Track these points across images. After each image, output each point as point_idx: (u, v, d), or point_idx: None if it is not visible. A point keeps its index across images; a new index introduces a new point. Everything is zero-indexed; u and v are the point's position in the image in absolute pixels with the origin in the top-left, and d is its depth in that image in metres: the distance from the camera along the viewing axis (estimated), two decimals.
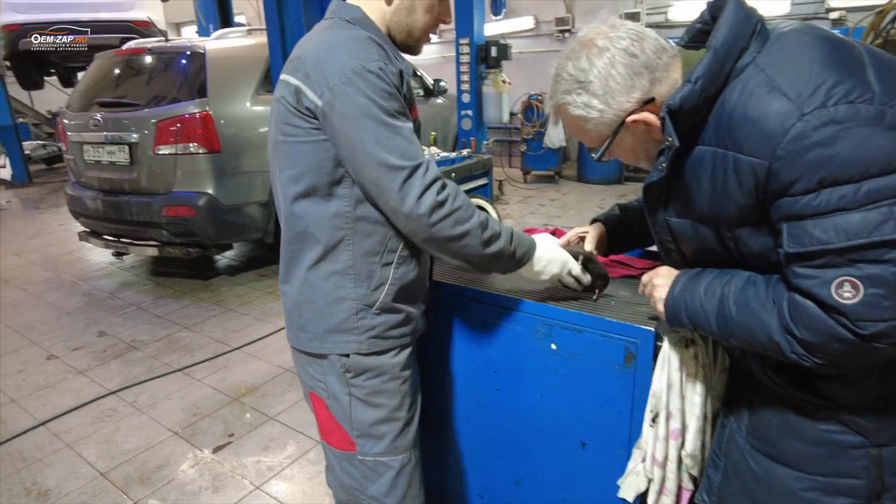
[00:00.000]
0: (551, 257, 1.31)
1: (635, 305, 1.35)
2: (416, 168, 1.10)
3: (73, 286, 4.71)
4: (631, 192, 7.10)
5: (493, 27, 8.09)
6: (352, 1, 1.25)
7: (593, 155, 1.09)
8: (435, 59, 9.54)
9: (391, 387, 1.31)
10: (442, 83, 6.31)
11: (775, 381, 1.07)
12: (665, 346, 1.22)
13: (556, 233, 1.79)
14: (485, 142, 4.38)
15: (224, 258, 5.17)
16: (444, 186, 1.14)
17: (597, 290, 1.39)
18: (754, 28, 0.95)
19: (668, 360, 1.22)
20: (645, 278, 1.20)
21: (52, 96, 10.30)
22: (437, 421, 1.65)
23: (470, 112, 5.49)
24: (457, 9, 5.21)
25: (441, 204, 1.12)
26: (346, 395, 1.31)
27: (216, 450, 2.57)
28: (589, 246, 1.44)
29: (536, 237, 1.34)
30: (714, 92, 0.94)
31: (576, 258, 1.34)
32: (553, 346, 1.34)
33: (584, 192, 7.27)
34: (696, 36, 1.05)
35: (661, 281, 1.14)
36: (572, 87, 1.00)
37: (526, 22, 8.68)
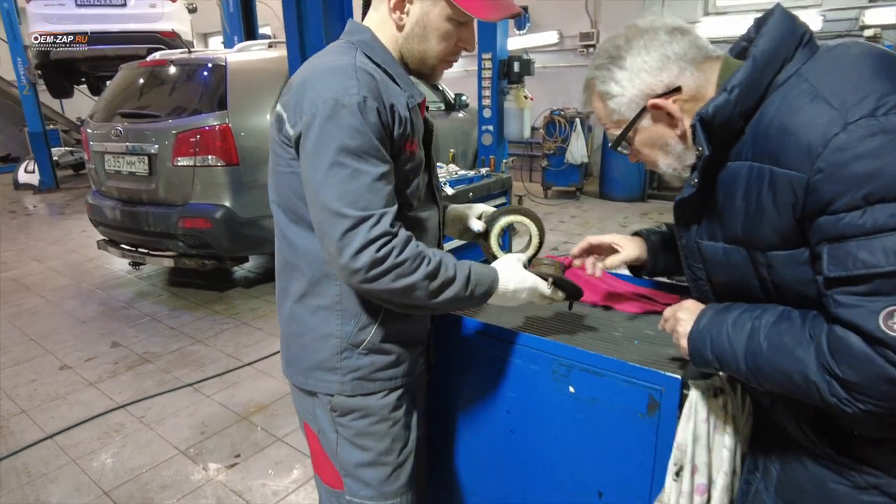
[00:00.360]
0: (517, 287, 1.23)
1: (660, 347, 1.26)
2: (363, 220, 1.00)
3: (90, 294, 4.72)
4: (654, 210, 6.96)
5: (516, 41, 8.05)
6: (367, 21, 1.18)
7: (610, 144, 1.06)
8: (458, 73, 9.51)
9: (379, 429, 1.23)
10: (463, 97, 6.27)
11: (811, 438, 0.97)
12: (692, 394, 1.12)
13: (570, 264, 1.70)
14: (504, 160, 4.29)
15: (241, 269, 5.16)
16: (388, 241, 1.02)
17: (570, 304, 1.36)
18: (800, 39, 0.88)
19: (695, 410, 1.13)
20: (667, 312, 1.11)
21: (82, 104, 10.51)
22: (442, 459, 1.56)
23: (491, 127, 5.42)
24: (480, 23, 5.16)
25: (380, 260, 1.01)
26: (333, 433, 1.24)
27: (221, 471, 2.51)
28: (616, 260, 1.36)
29: (500, 264, 1.26)
30: (751, 104, 0.88)
31: (545, 279, 1.27)
32: (571, 389, 1.25)
33: (606, 210, 7.15)
34: (741, 53, 0.99)
35: (685, 315, 1.05)
36: (605, 61, 0.99)
37: (550, 37, 8.62)
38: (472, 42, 1.17)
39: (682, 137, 0.97)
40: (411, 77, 1.19)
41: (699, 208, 1.00)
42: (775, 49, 0.88)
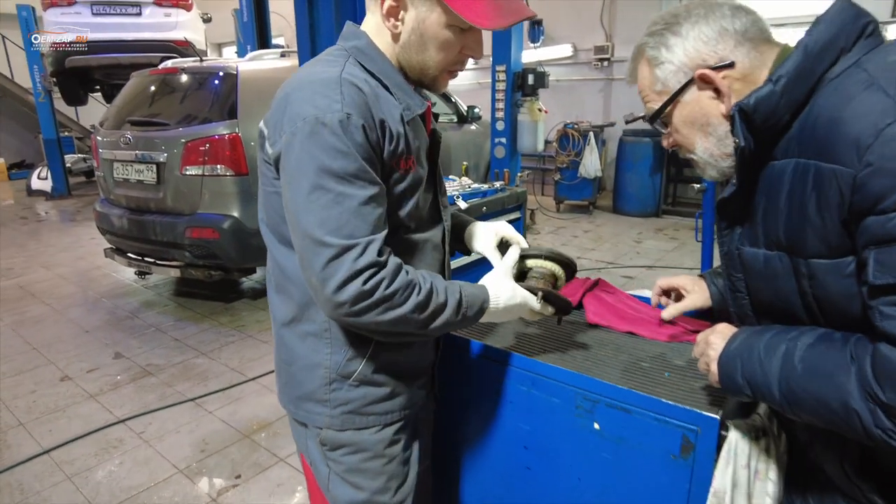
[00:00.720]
0: (507, 304, 1.14)
1: (693, 380, 1.15)
2: (347, 248, 0.91)
3: (96, 303, 4.67)
4: (668, 226, 6.83)
5: (530, 55, 7.99)
6: (364, 25, 1.09)
7: (647, 117, 1.00)
8: (470, 85, 9.48)
9: (373, 466, 1.13)
10: (476, 110, 6.20)
11: (855, 484, 0.86)
12: (731, 436, 1.01)
13: (598, 283, 1.60)
14: (519, 173, 4.20)
15: (248, 280, 5.09)
16: (376, 272, 0.93)
17: (560, 318, 1.31)
18: (862, 30, 0.81)
19: (735, 454, 1.02)
20: (700, 336, 1.02)
21: (97, 111, 10.57)
22: (450, 496, 1.46)
23: (504, 140, 5.34)
24: (494, 36, 5.11)
25: (367, 293, 0.92)
26: (324, 467, 1.15)
27: (221, 492, 2.41)
28: (681, 307, 1.27)
29: (489, 280, 1.17)
30: (799, 96, 0.82)
31: (534, 293, 1.19)
32: (596, 426, 1.15)
33: (620, 225, 7.03)
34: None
35: (716, 339, 0.97)
36: (659, 28, 0.94)
37: (564, 50, 8.56)
38: (478, 50, 1.06)
39: (727, 119, 0.90)
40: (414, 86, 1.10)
41: (742, 210, 0.93)
42: (832, 38, 0.80)
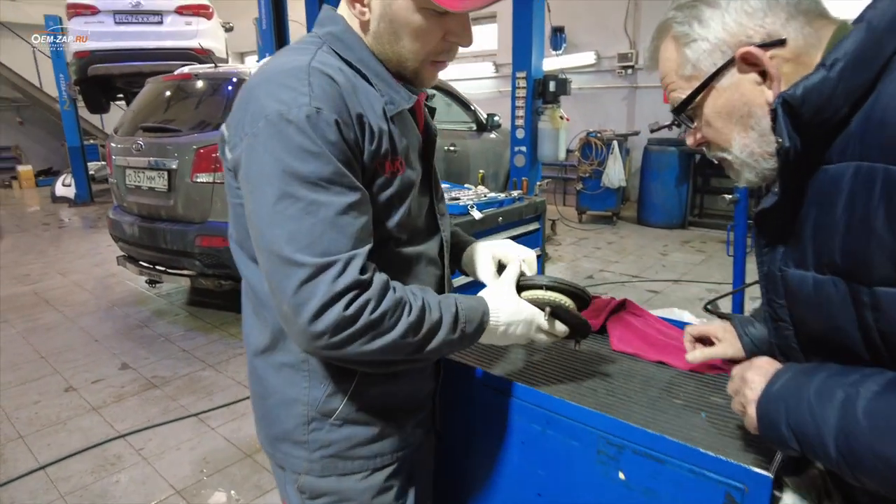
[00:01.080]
0: (511, 318, 0.99)
1: (735, 421, 0.98)
2: (324, 267, 0.77)
3: (108, 311, 4.61)
4: (695, 239, 6.59)
5: (552, 62, 7.84)
6: (340, 9, 0.94)
7: (672, 109, 0.83)
8: (491, 93, 9.36)
9: None
10: (496, 118, 6.07)
11: None
12: (787, 499, 0.84)
13: (624, 304, 1.43)
14: (538, 182, 4.02)
15: None
16: (359, 294, 0.79)
17: (577, 340, 1.14)
18: None
19: None
20: (735, 370, 0.86)
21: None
22: None
23: (524, 148, 5.19)
24: (515, 42, 4.97)
25: (350, 321, 0.78)
26: None
27: None
28: (711, 352, 1.11)
29: (488, 293, 1.01)
30: (861, 84, 0.66)
31: (541, 308, 1.03)
32: (621, 476, 0.98)
33: (644, 236, 6.80)
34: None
35: (755, 375, 0.81)
36: (689, 1, 0.78)
37: (587, 57, 8.39)
38: (465, 36, 0.91)
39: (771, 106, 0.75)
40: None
41: (787, 224, 0.77)
42: None
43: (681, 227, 7.12)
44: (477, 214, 2.36)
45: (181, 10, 6.95)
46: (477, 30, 10.02)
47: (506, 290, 1.02)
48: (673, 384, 1.15)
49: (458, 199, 2.55)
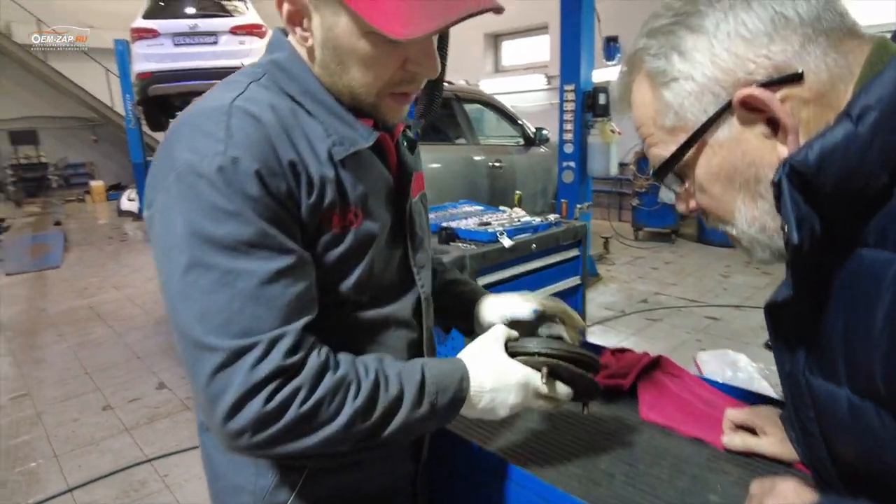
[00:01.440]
0: (498, 383, 0.81)
1: None
2: (241, 352, 0.63)
3: (156, 327, 4.69)
4: None
5: (605, 73, 7.56)
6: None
7: (651, 173, 0.65)
8: (542, 106, 9.14)
9: None
10: (544, 132, 5.86)
11: None
12: None
13: (659, 361, 1.23)
14: (579, 205, 3.76)
15: None
16: (284, 383, 0.65)
17: (584, 404, 0.95)
18: None
19: None
20: (755, 489, 0.71)
21: None
22: None
23: (572, 164, 4.96)
24: (563, 53, 4.78)
25: (274, 416, 0.64)
26: None
27: None
28: (754, 444, 0.92)
29: (467, 353, 0.84)
30: None
31: (537, 369, 0.84)
32: None
33: (706, 256, 6.40)
34: None
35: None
36: (667, 23, 0.58)
37: None
38: (428, 63, 0.74)
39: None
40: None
41: (808, 323, 0.57)
42: None
43: None
44: (507, 242, 2.18)
45: (235, 30, 7.15)
46: (528, 41, 9.85)
47: (490, 347, 0.85)
48: (711, 470, 0.94)
49: (488, 223, 2.38)
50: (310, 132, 0.74)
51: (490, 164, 5.13)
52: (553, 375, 0.87)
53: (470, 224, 2.39)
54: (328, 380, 0.67)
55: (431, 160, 4.60)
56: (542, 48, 9.41)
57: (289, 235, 0.69)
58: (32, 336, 4.59)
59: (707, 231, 6.92)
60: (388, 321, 0.84)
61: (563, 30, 4.74)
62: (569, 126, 4.90)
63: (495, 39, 10.23)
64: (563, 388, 0.88)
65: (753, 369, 1.80)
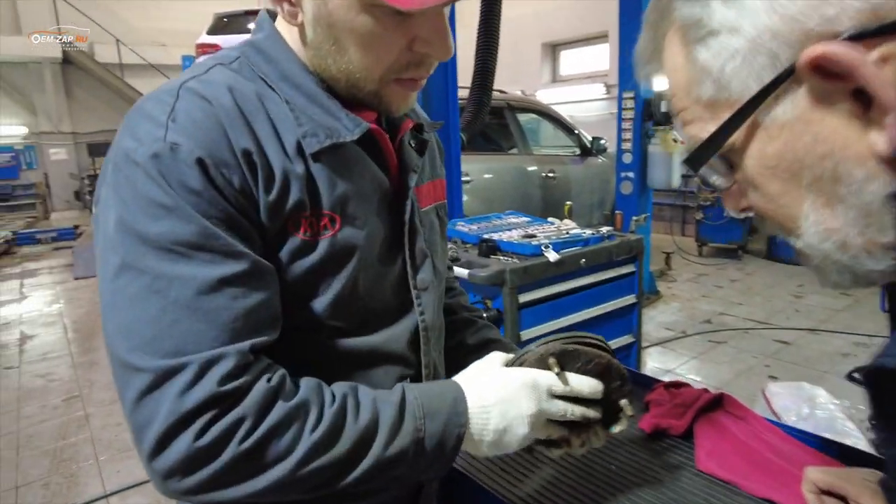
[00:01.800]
0: (502, 395, 0.65)
1: None
2: (168, 374, 0.52)
3: None
4: None
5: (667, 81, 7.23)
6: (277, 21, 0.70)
7: (684, 158, 0.48)
8: (601, 115, 8.86)
9: None
10: (602, 141, 5.63)
11: None
12: None
13: (721, 400, 1.04)
14: (635, 217, 3.50)
15: None
16: (221, 414, 0.53)
17: (620, 418, 0.75)
18: None
19: None
20: None
21: None
22: None
23: (631, 174, 4.71)
24: (622, 58, 4.56)
25: (209, 454, 0.52)
26: None
27: None
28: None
29: (461, 376, 0.68)
30: None
31: (548, 367, 0.68)
32: None
33: (776, 274, 5.95)
34: None
35: None
36: None
37: None
38: (439, 44, 0.62)
39: (886, 160, 0.37)
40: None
41: None
42: None
43: None
44: (552, 256, 2.01)
45: None
46: (587, 50, 9.61)
47: (484, 366, 0.70)
48: None
49: (532, 236, 2.22)
50: (278, 120, 0.63)
51: (543, 174, 4.95)
52: (560, 363, 0.69)
53: (513, 236, 2.23)
54: (279, 409, 0.55)
55: (482, 170, 4.48)
56: (602, 57, 9.16)
57: (240, 238, 0.57)
58: (90, 338, 4.73)
59: (778, 247, 6.45)
60: (376, 353, 0.70)
61: (623, 34, 4.53)
62: (627, 135, 4.66)
63: (553, 49, 10.04)
64: (582, 380, 0.70)
65: (835, 407, 1.55)
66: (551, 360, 0.68)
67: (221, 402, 0.53)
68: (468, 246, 2.30)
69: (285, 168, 0.61)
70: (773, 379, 3.37)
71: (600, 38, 9.09)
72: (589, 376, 0.71)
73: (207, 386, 0.52)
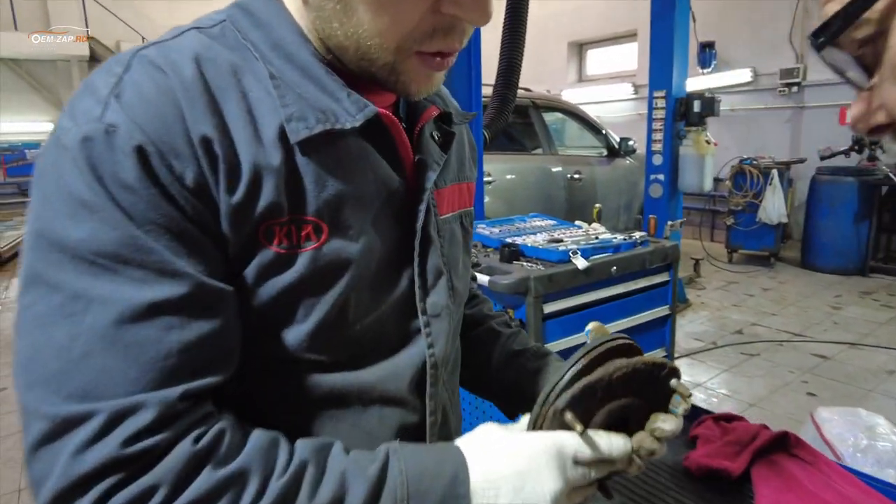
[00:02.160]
0: (519, 466, 0.50)
1: None
2: (69, 424, 0.41)
3: None
4: (880, 289, 5.38)
5: (700, 81, 7.01)
6: None
7: (810, 34, 0.36)
8: (628, 116, 8.64)
9: None
10: (631, 142, 5.45)
11: None
12: None
13: (784, 439, 0.90)
14: (670, 222, 3.31)
15: None
16: (130, 479, 0.41)
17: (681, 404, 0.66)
18: None
19: None
20: None
21: None
22: None
23: (661, 177, 4.52)
24: (653, 56, 4.38)
25: None
26: None
27: None
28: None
29: (465, 439, 0.53)
30: None
31: (570, 427, 0.52)
32: None
33: (810, 284, 5.70)
34: None
35: None
36: None
37: (741, 75, 7.40)
38: (472, 4, 0.49)
39: None
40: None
41: None
42: None
43: (859, 274, 5.88)
44: (581, 263, 1.87)
45: None
46: (615, 49, 9.39)
47: (494, 427, 0.55)
48: None
49: (559, 240, 2.08)
50: (256, 100, 0.50)
51: (569, 175, 4.80)
52: (585, 416, 0.54)
53: (538, 240, 2.09)
54: (205, 479, 0.42)
55: (505, 170, 4.34)
56: (630, 56, 8.94)
57: (186, 251, 0.45)
58: None
59: (812, 255, 6.19)
60: (368, 394, 0.57)
61: (654, 31, 4.35)
62: (658, 136, 4.48)
63: (580, 48, 9.84)
64: (612, 441, 0.54)
65: None
66: (568, 417, 0.52)
67: (127, 466, 0.41)
68: (489, 250, 2.17)
69: (256, 161, 0.48)
70: (812, 396, 3.17)
71: (628, 36, 8.87)
72: (617, 400, 0.56)
73: (110, 445, 0.41)
